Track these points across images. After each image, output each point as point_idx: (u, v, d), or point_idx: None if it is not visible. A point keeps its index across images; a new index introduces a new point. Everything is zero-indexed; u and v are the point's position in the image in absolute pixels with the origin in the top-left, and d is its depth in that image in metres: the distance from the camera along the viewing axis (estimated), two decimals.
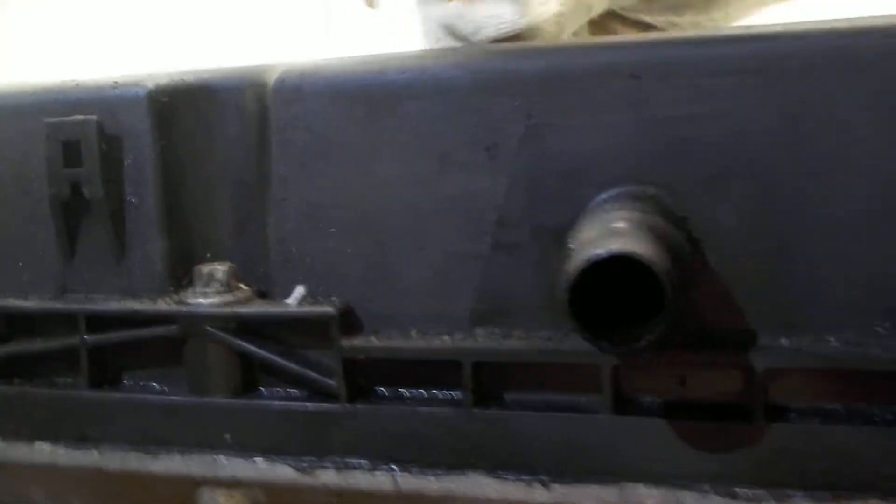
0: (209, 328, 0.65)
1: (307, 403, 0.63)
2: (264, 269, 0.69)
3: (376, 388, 0.64)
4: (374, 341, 0.62)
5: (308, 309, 0.63)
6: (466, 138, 0.61)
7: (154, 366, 0.70)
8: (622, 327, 0.50)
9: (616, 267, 0.48)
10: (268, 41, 2.04)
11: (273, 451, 0.64)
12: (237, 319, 0.65)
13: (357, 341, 0.63)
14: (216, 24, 2.13)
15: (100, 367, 0.70)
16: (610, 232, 0.51)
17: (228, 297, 0.66)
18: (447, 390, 0.62)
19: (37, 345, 0.71)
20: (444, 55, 0.65)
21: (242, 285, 0.68)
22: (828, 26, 0.57)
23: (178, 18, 2.12)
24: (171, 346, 0.68)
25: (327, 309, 0.63)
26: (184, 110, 0.69)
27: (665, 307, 0.48)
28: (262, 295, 0.68)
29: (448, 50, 0.65)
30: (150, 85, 0.68)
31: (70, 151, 0.68)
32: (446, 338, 0.61)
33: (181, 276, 0.70)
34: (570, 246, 0.53)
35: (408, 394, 0.63)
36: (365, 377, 0.64)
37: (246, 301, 0.66)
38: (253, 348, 0.64)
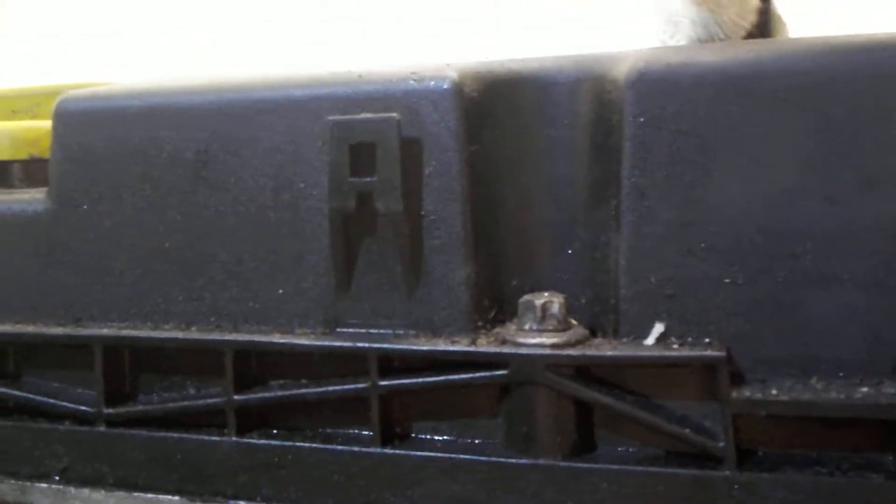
0: (549, 374, 0.53)
1: (683, 470, 0.51)
2: (591, 299, 0.57)
3: (761, 450, 0.53)
4: (776, 394, 0.50)
5: (690, 353, 0.51)
6: None
7: (451, 417, 0.58)
8: None
9: None
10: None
11: None
12: (587, 364, 0.53)
13: (749, 392, 0.51)
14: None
15: (388, 418, 0.58)
16: None
17: (565, 337, 0.54)
18: (862, 453, 0.51)
19: (310, 390, 0.58)
20: (873, 39, 0.53)
21: (573, 321, 0.56)
22: None
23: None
24: (479, 394, 0.56)
25: (715, 352, 0.51)
26: (498, 108, 0.57)
27: None
28: (593, 333, 0.56)
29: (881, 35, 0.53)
30: (457, 77, 0.56)
31: (359, 156, 0.56)
32: (865, 389, 0.50)
33: (487, 308, 0.58)
34: None
35: (810, 459, 0.51)
36: (750, 437, 0.52)
37: (585, 341, 0.55)
38: (612, 400, 0.52)
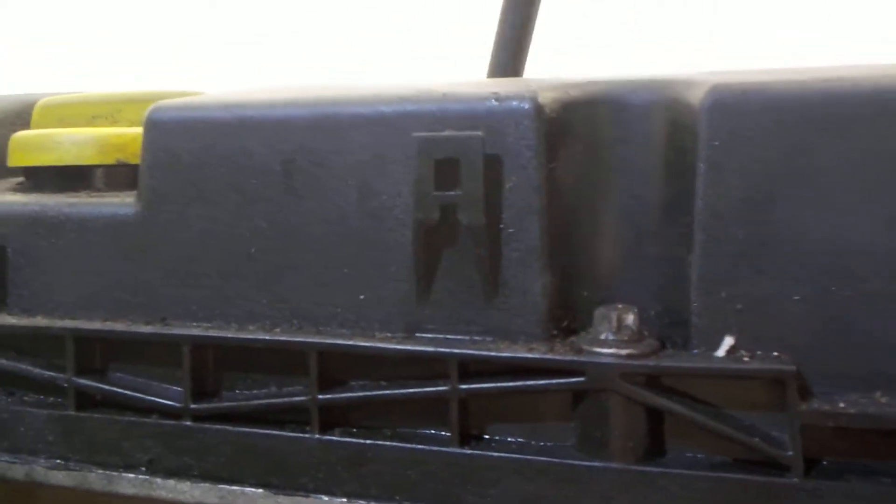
0: (623, 382, 0.56)
1: (753, 476, 0.54)
2: (659, 312, 0.60)
3: (825, 459, 0.55)
4: (843, 406, 0.53)
5: (761, 366, 0.54)
6: None
7: (523, 420, 0.61)
8: None
9: None
10: None
11: None
12: (661, 374, 0.56)
13: (817, 404, 0.54)
14: None
15: (465, 420, 0.61)
16: None
17: (640, 347, 0.57)
18: None
19: (393, 391, 0.61)
20: None
21: (645, 332, 0.59)
22: None
23: None
24: (552, 399, 0.59)
25: (785, 366, 0.54)
26: (575, 127, 0.60)
27: None
28: (662, 345, 0.59)
29: None
30: (538, 97, 0.59)
31: (443, 171, 0.59)
32: None
33: (560, 317, 0.61)
34: None
35: (873, 469, 0.54)
36: (814, 447, 0.55)
37: (657, 352, 0.57)
38: (684, 408, 0.55)
